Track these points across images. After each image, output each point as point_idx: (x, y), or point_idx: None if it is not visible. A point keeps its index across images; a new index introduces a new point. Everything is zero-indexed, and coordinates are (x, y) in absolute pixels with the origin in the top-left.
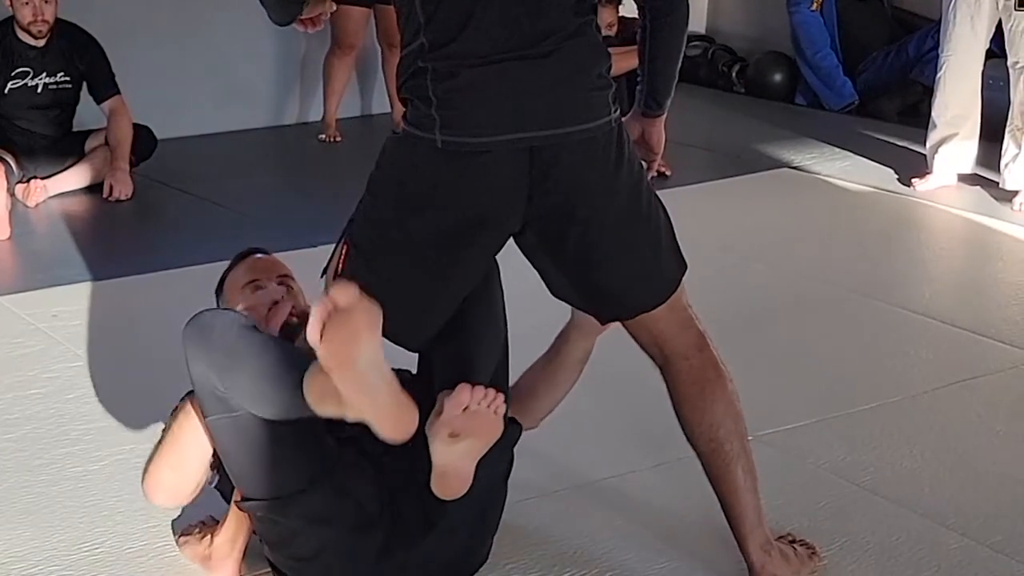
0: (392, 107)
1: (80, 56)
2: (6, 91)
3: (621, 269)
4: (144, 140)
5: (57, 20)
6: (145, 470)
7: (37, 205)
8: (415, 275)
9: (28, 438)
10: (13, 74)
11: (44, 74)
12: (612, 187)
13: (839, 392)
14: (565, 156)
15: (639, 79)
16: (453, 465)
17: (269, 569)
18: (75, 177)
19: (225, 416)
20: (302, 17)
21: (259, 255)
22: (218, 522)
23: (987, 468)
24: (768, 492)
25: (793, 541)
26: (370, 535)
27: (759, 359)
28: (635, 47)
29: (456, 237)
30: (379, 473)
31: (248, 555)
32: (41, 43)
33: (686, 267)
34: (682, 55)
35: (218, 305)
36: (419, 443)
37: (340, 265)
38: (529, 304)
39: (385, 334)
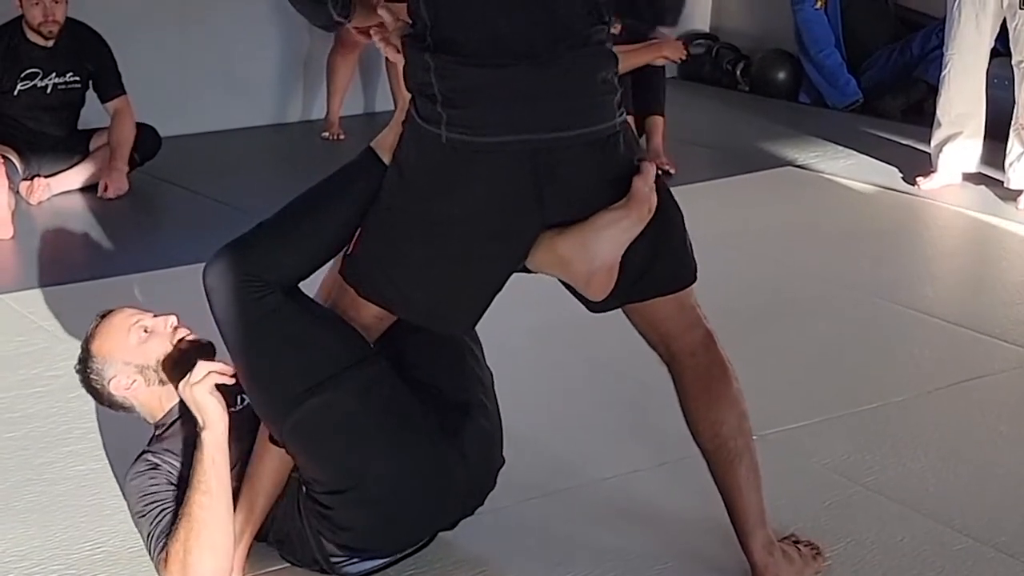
0: (396, 105)
1: (89, 55)
2: (16, 93)
3: (640, 249)
4: (148, 140)
5: (66, 19)
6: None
7: (40, 203)
8: (423, 254)
9: (30, 436)
10: (23, 75)
11: (54, 74)
12: (621, 182)
13: (843, 391)
14: (569, 157)
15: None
16: (621, 249)
17: (272, 568)
18: (79, 175)
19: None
20: (355, 26)
21: (114, 310)
22: None
23: (992, 468)
24: (771, 491)
25: (797, 541)
26: (416, 425)
27: (762, 358)
28: (637, 46)
29: (460, 228)
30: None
31: (252, 555)
32: (50, 43)
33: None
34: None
35: (87, 373)
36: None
37: (353, 246)
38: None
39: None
